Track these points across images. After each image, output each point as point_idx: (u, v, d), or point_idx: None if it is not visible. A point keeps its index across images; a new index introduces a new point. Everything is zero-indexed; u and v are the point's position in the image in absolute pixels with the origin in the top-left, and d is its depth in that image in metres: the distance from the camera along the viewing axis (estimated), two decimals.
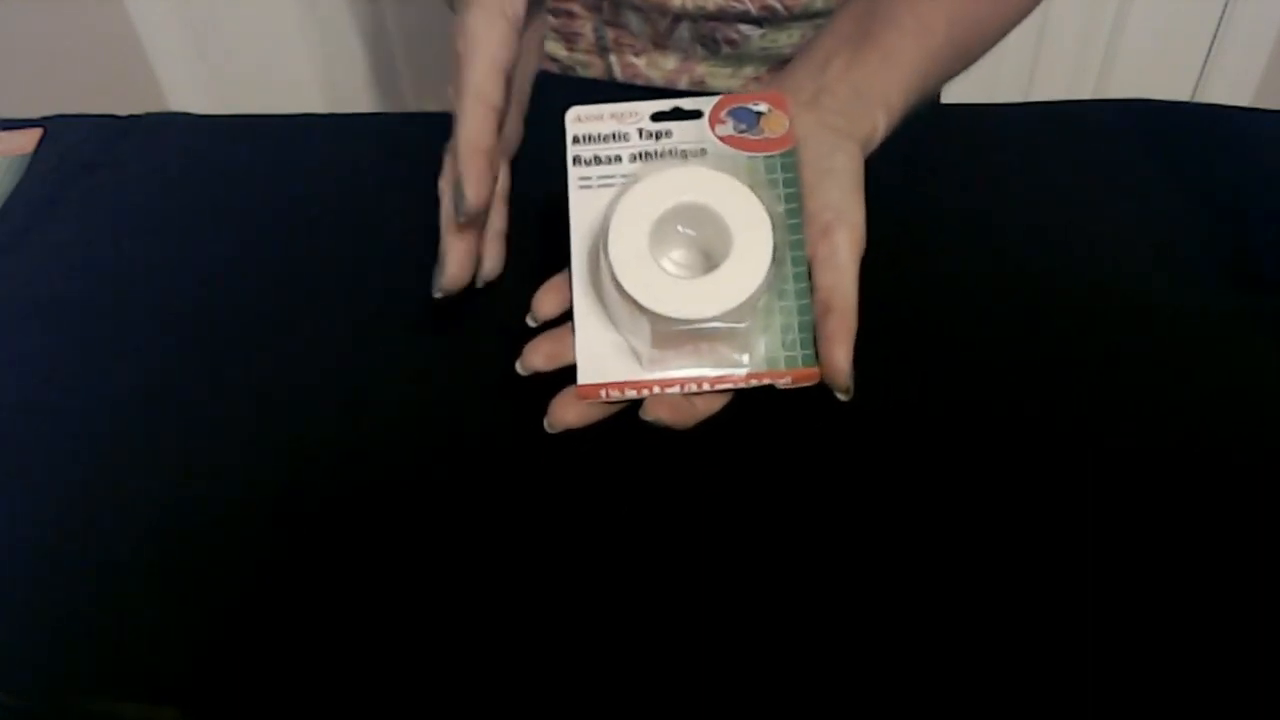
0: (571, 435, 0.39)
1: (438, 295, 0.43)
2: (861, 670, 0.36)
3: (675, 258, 0.41)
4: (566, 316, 0.41)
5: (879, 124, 0.45)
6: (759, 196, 0.39)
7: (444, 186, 0.44)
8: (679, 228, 0.40)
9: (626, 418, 0.39)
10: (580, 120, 0.42)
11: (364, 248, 0.54)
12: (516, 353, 0.41)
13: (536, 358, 0.40)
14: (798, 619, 0.37)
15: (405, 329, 0.49)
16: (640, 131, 0.41)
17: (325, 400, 0.46)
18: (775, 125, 0.41)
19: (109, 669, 0.37)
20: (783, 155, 0.41)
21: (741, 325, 0.37)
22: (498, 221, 0.47)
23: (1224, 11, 1.16)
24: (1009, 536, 0.39)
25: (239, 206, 0.57)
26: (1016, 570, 0.38)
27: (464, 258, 0.43)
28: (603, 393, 0.39)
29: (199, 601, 0.39)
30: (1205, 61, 1.21)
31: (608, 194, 0.40)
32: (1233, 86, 1.21)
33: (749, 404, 0.40)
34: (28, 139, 0.62)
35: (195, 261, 0.54)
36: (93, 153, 0.61)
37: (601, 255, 0.39)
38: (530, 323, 0.41)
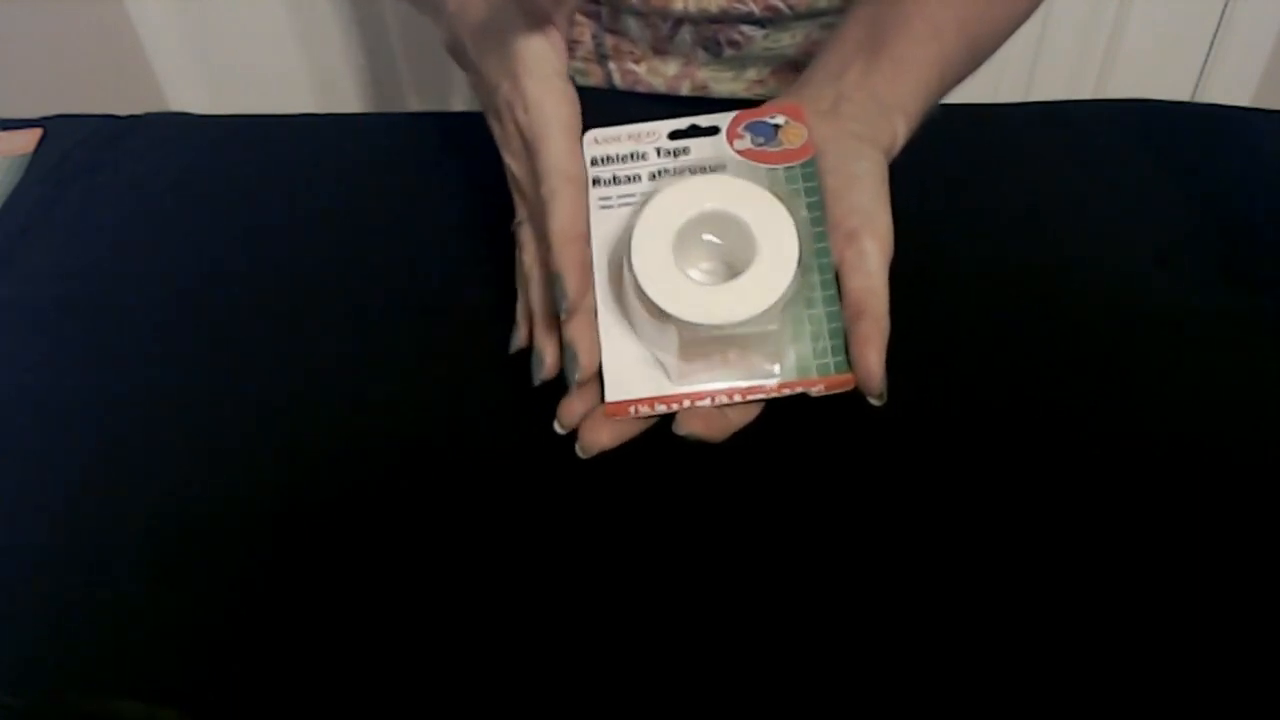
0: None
1: (538, 384, 0.41)
2: (870, 669, 0.36)
3: (701, 269, 0.40)
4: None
5: (899, 132, 0.44)
6: (782, 201, 0.38)
7: (526, 272, 0.41)
8: (703, 237, 0.39)
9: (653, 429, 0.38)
10: (598, 142, 0.41)
11: (364, 247, 0.54)
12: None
13: (572, 416, 0.39)
14: (806, 619, 0.37)
15: (405, 329, 0.49)
16: (658, 150, 0.41)
17: (325, 400, 0.46)
18: (793, 136, 0.40)
19: (109, 669, 0.37)
20: (803, 165, 0.40)
21: (770, 329, 0.37)
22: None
23: (1224, 11, 1.16)
24: (1008, 532, 0.39)
25: (239, 206, 0.57)
26: (1015, 566, 0.38)
27: (557, 349, 0.40)
28: (632, 409, 0.38)
29: (199, 601, 0.39)
30: (1205, 61, 1.21)
31: (629, 212, 0.40)
32: (1233, 86, 1.21)
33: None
34: (28, 139, 0.62)
35: (195, 261, 0.54)
36: (93, 153, 0.61)
37: (625, 267, 0.38)
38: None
